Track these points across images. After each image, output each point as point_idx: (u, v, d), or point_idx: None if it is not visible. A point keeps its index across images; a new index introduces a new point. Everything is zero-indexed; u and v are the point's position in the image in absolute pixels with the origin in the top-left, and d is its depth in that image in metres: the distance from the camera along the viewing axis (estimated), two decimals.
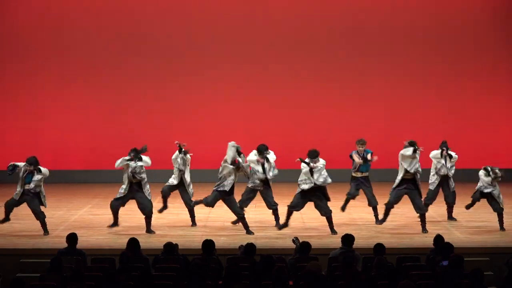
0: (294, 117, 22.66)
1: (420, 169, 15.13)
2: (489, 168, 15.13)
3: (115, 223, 15.07)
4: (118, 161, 14.97)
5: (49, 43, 22.47)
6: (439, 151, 15.94)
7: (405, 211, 16.41)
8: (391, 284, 10.05)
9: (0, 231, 14.90)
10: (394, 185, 15.28)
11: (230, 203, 15.01)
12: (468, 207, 15.64)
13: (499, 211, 15.14)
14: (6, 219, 14.93)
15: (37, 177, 14.73)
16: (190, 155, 15.71)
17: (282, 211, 15.35)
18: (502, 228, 15.10)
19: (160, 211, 15.70)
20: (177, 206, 16.61)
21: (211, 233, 14.76)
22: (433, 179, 16.08)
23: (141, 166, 14.94)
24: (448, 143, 16.19)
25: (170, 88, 22.67)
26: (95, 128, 22.56)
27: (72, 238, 12.19)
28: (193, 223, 15.67)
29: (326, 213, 14.88)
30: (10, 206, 14.91)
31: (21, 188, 14.76)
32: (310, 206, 15.16)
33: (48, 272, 10.83)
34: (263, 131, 21.96)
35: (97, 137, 22.54)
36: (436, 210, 16.83)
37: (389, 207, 15.49)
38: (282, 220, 15.35)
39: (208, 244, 11.76)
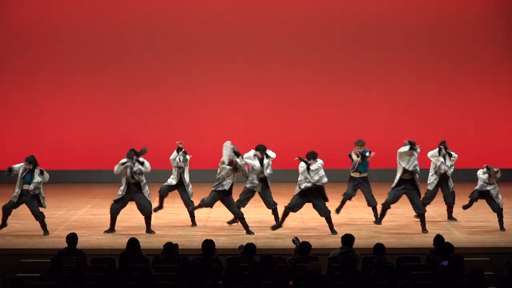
0: (294, 117, 22.66)
1: (418, 168, 15.12)
2: (489, 167, 15.14)
3: (112, 228, 15.04)
4: (116, 167, 14.91)
5: (49, 43, 22.48)
6: (437, 149, 15.95)
7: (405, 211, 16.41)
8: (391, 284, 10.05)
9: (0, 231, 14.89)
10: (393, 185, 15.27)
11: (229, 204, 15.01)
12: (465, 207, 15.63)
13: (499, 211, 15.14)
14: (3, 224, 14.90)
15: (37, 179, 14.70)
16: (189, 157, 15.71)
17: (282, 211, 15.33)
18: (502, 228, 15.10)
19: (155, 210, 15.62)
20: (177, 206, 16.61)
21: (211, 233, 14.75)
22: (432, 179, 16.08)
23: (140, 169, 14.92)
24: (448, 143, 16.20)
25: (170, 88, 22.67)
26: (95, 128, 22.57)
27: (72, 238, 12.19)
28: (193, 223, 15.67)
29: (325, 213, 14.87)
30: (8, 210, 14.85)
31: (19, 189, 14.74)
32: (309, 206, 15.15)
33: (48, 272, 10.83)
34: (263, 131, 21.97)
35: (97, 137, 22.54)
36: (436, 210, 16.83)
37: (385, 207, 15.48)
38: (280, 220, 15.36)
39: (208, 244, 11.76)
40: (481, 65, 22.68)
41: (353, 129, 22.20)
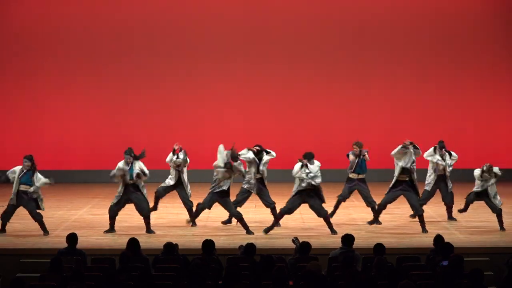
0: (294, 117, 22.67)
1: (415, 166, 15.08)
2: (490, 166, 15.12)
3: (112, 228, 15.04)
4: (115, 171, 14.89)
5: (49, 43, 22.49)
6: (431, 148, 15.94)
7: (405, 211, 16.40)
8: (391, 284, 10.05)
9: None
10: (390, 186, 15.24)
11: (226, 205, 14.98)
12: (461, 211, 15.58)
13: (498, 212, 15.12)
14: (2, 230, 14.89)
15: (38, 184, 14.67)
16: (189, 161, 15.71)
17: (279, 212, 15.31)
18: (502, 228, 15.10)
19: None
20: (177, 206, 16.61)
21: (211, 233, 14.75)
22: (429, 179, 16.08)
23: (139, 174, 14.93)
24: (448, 143, 16.19)
25: (170, 88, 22.68)
26: (95, 128, 22.58)
27: (72, 238, 12.18)
28: (193, 223, 15.66)
29: (323, 214, 14.84)
30: (8, 216, 14.83)
31: (16, 189, 14.70)
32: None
33: (48, 272, 10.82)
34: (263, 131, 21.98)
35: (97, 137, 22.55)
36: (436, 210, 16.84)
37: (380, 208, 15.43)
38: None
39: (208, 244, 11.75)
40: (481, 65, 22.69)
41: (353, 129, 22.21)
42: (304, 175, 14.61)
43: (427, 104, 22.71)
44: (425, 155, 15.96)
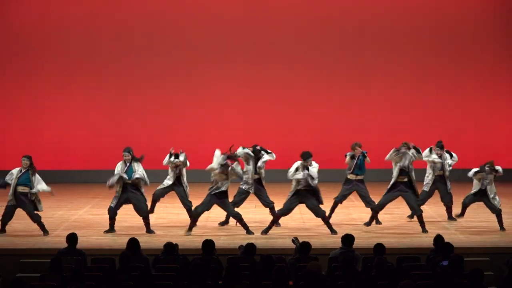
0: (294, 117, 22.68)
1: (412, 166, 15.06)
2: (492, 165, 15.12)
3: (112, 228, 15.04)
4: (113, 181, 14.89)
5: (49, 43, 22.49)
6: (427, 149, 15.91)
7: (405, 211, 16.39)
8: (391, 284, 10.05)
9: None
10: (388, 187, 15.17)
11: (225, 206, 14.93)
12: (458, 216, 15.52)
13: (497, 212, 15.11)
14: (2, 230, 14.89)
15: (37, 189, 14.65)
16: (189, 164, 15.71)
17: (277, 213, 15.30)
18: (502, 228, 15.09)
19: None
20: (177, 206, 16.61)
21: (211, 233, 14.75)
22: (427, 179, 16.07)
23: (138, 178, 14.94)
24: (448, 143, 16.20)
25: (170, 88, 22.69)
26: (95, 128, 22.58)
27: (72, 238, 12.18)
28: (190, 230, 15.57)
29: (320, 214, 14.82)
30: (9, 217, 14.82)
31: (13, 190, 14.69)
32: None
33: (48, 272, 10.82)
34: (263, 131, 21.99)
35: (97, 137, 22.56)
36: (436, 210, 16.84)
37: (377, 209, 15.34)
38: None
39: (208, 244, 11.75)
40: (481, 65, 22.69)
41: (353, 129, 22.22)
42: (300, 176, 14.60)
43: (427, 104, 22.71)
44: (422, 156, 15.95)
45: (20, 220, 15.36)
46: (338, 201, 15.91)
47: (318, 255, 11.95)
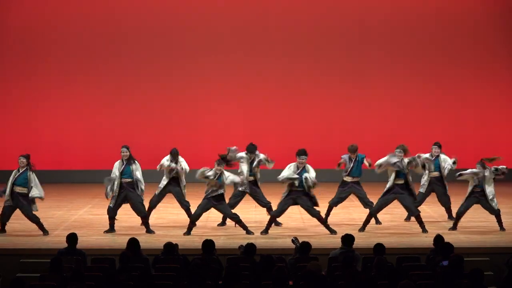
0: (294, 117, 22.67)
1: (408, 169, 15.00)
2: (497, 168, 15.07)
3: (111, 228, 15.04)
4: (114, 187, 14.92)
5: (49, 43, 22.49)
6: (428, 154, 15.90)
7: (404, 211, 16.38)
8: (391, 284, 10.05)
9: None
10: (385, 190, 15.07)
11: (224, 208, 14.90)
12: (455, 222, 15.43)
13: (496, 213, 15.08)
14: (2, 230, 14.88)
15: (35, 193, 14.65)
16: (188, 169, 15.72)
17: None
18: (502, 228, 15.09)
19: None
20: (177, 206, 16.58)
21: (211, 233, 14.75)
22: (423, 181, 16.04)
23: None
24: (448, 143, 16.19)
25: (170, 88, 22.69)
26: (95, 128, 22.58)
27: (72, 238, 12.19)
28: (188, 233, 15.55)
29: (315, 214, 14.79)
30: (7, 217, 14.81)
31: (9, 190, 14.67)
32: None
33: (48, 272, 10.82)
34: (263, 131, 21.99)
35: (97, 137, 22.56)
36: (436, 210, 16.83)
37: (371, 213, 15.30)
38: (276, 223, 15.33)
39: (208, 244, 11.75)
40: (481, 65, 22.69)
41: (353, 129, 22.22)
42: (296, 175, 14.60)
43: (427, 104, 22.71)
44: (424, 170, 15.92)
45: (20, 220, 15.36)
46: (332, 204, 15.85)
47: (318, 255, 11.95)
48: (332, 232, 14.74)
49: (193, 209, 15.20)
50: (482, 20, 22.62)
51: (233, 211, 15.12)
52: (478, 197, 15.03)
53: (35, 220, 14.72)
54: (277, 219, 15.32)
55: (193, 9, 22.56)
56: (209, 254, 11.65)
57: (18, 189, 14.66)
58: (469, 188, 15.09)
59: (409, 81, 22.73)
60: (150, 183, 15.90)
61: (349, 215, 16.75)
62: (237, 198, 15.59)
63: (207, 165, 14.99)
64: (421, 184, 16.07)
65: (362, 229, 15.08)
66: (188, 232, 14.76)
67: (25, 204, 14.63)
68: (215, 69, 22.63)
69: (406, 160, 14.92)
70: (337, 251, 11.98)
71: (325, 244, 13.68)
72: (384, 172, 15.12)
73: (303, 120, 22.66)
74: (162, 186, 15.62)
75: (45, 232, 14.75)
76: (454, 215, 16.04)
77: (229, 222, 15.48)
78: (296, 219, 16.01)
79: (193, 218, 14.86)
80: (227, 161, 14.94)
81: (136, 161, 15.09)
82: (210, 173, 14.70)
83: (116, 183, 14.89)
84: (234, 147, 15.43)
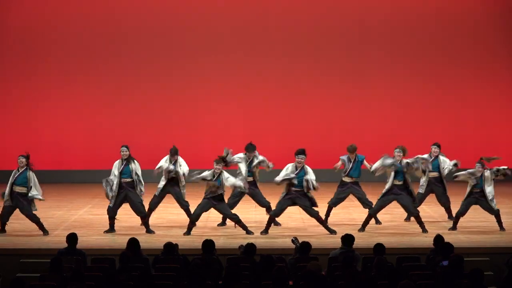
0: (294, 117, 22.66)
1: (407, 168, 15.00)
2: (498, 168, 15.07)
3: (111, 228, 15.05)
4: (113, 187, 14.92)
5: (49, 43, 22.49)
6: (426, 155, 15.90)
7: (405, 211, 16.36)
8: (391, 284, 10.05)
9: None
10: (383, 192, 15.01)
11: (223, 209, 14.89)
12: (454, 224, 15.41)
13: (496, 213, 15.07)
14: (2, 230, 14.88)
15: (34, 194, 14.64)
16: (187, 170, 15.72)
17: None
18: (501, 228, 15.09)
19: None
20: (177, 206, 16.58)
21: (211, 233, 14.75)
22: (422, 181, 16.03)
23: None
24: (448, 142, 16.19)
25: (170, 88, 22.69)
26: (95, 128, 22.58)
27: (72, 238, 12.19)
28: (189, 233, 15.54)
29: (314, 214, 14.78)
30: (7, 216, 14.79)
31: (9, 190, 14.67)
32: None
33: (48, 272, 10.82)
34: (263, 131, 21.99)
35: (97, 137, 22.55)
36: (436, 210, 16.83)
37: (371, 214, 15.28)
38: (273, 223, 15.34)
39: (208, 244, 11.75)
40: (481, 65, 22.69)
41: (353, 129, 22.22)
42: (293, 175, 14.61)
43: (427, 104, 22.70)
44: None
45: (20, 220, 15.36)
46: (332, 204, 15.86)
47: (318, 255, 11.95)
48: (332, 232, 14.73)
49: (192, 209, 15.20)
50: (482, 20, 22.62)
51: (233, 211, 15.12)
52: (477, 197, 15.02)
53: (35, 220, 14.72)
54: (277, 219, 15.32)
55: (193, 9, 22.57)
56: (209, 254, 11.65)
57: (18, 189, 14.66)
58: (468, 189, 15.09)
59: (409, 81, 22.73)
60: (150, 183, 15.91)
61: (349, 215, 16.75)
62: (236, 198, 15.59)
63: (207, 165, 14.99)
64: (420, 184, 16.06)
65: (362, 229, 15.08)
66: (188, 232, 14.76)
67: (25, 204, 14.64)
68: (215, 69, 22.63)
69: (407, 161, 14.90)
70: (337, 251, 11.98)
71: (325, 244, 13.69)
72: (384, 173, 15.11)
73: (303, 120, 22.66)
74: (161, 187, 15.60)
75: (45, 232, 14.75)
76: (454, 215, 16.07)
77: (229, 222, 15.48)
78: (296, 219, 16.01)
79: (193, 218, 14.86)
80: (226, 162, 14.92)
81: (135, 161, 15.10)
82: (207, 173, 14.69)
83: (115, 182, 14.90)
84: (230, 150, 15.35)
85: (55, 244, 13.55)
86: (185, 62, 22.62)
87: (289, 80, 22.66)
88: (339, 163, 15.86)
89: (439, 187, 16.01)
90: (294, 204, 14.85)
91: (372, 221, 15.56)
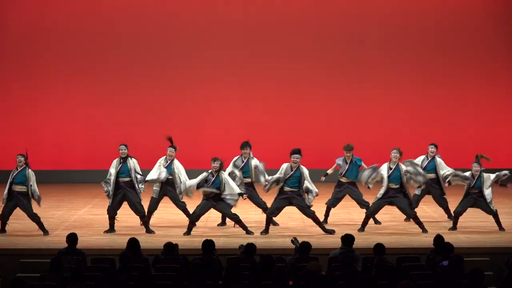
0: (294, 117, 22.66)
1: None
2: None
3: (111, 228, 15.05)
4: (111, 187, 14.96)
5: (49, 43, 22.49)
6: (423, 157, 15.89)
7: None
8: (391, 284, 10.05)
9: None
10: (380, 195, 14.96)
11: (223, 209, 14.87)
12: (453, 226, 15.38)
13: (494, 213, 15.06)
14: (2, 230, 14.88)
15: (32, 192, 14.64)
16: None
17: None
18: (501, 228, 15.09)
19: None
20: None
21: (211, 233, 14.75)
22: None
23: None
24: (448, 142, 16.17)
25: (169, 88, 22.69)
26: (94, 128, 22.58)
27: (72, 238, 12.18)
28: (189, 233, 15.51)
29: (310, 214, 14.77)
30: (7, 215, 14.79)
31: (8, 190, 14.66)
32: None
33: (48, 272, 10.83)
34: (262, 132, 21.99)
35: (97, 137, 22.56)
36: (436, 210, 16.82)
37: (368, 215, 15.26)
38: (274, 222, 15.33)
39: (208, 244, 11.75)
40: (482, 65, 22.69)
41: (353, 129, 22.22)
42: (279, 174, 14.63)
43: (427, 104, 22.70)
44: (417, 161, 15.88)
45: (20, 220, 15.37)
46: (330, 205, 15.87)
47: (318, 255, 11.95)
48: (329, 232, 14.68)
49: (191, 208, 15.19)
50: (482, 20, 22.63)
51: (232, 211, 15.11)
52: (475, 198, 15.02)
53: (36, 219, 14.72)
54: (275, 219, 15.32)
55: (193, 9, 22.57)
56: (209, 254, 11.65)
57: (17, 187, 14.65)
58: (465, 188, 15.09)
59: (409, 81, 22.73)
60: (149, 183, 15.86)
61: (349, 215, 16.75)
62: None
63: (207, 165, 14.98)
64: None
65: (362, 229, 15.08)
66: (188, 232, 14.76)
67: (25, 202, 14.63)
68: (215, 69, 22.63)
69: (408, 168, 14.87)
70: (337, 251, 11.98)
71: (325, 244, 13.68)
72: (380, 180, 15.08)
73: (303, 120, 22.66)
74: (158, 189, 15.58)
75: (45, 232, 14.74)
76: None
77: (229, 222, 15.48)
78: (296, 219, 16.01)
79: (193, 219, 14.85)
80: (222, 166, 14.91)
81: (133, 158, 15.09)
82: (203, 176, 14.65)
83: (112, 180, 14.89)
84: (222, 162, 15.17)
85: (55, 244, 13.55)
86: (185, 62, 22.62)
87: (289, 80, 22.66)
88: (333, 167, 15.88)
89: (436, 188, 15.98)
90: (290, 204, 14.85)
91: (372, 221, 15.55)
